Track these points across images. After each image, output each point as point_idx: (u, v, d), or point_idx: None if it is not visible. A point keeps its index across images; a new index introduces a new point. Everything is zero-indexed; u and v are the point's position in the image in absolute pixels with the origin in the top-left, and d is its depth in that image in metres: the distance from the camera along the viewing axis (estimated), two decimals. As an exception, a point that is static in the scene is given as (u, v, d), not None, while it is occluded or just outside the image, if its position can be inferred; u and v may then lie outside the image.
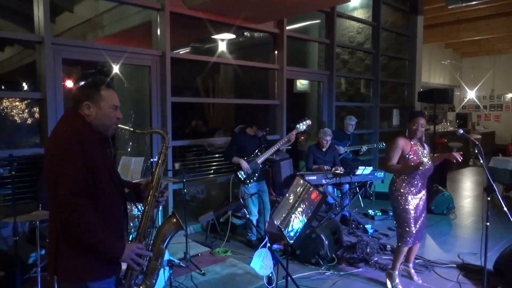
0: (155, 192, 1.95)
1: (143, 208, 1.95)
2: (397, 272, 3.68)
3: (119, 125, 1.90)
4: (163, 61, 4.93)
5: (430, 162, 3.59)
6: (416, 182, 3.56)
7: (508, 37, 12.10)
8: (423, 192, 3.63)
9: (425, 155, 3.58)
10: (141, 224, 1.91)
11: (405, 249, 3.63)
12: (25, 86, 5.89)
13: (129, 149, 6.04)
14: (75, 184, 1.64)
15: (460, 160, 3.37)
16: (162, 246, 1.96)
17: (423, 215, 3.68)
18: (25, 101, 5.61)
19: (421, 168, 3.37)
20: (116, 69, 5.37)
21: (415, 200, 3.56)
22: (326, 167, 5.40)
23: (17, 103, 5.77)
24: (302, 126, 4.72)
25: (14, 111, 5.74)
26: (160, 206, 2.60)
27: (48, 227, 1.90)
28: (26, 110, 5.74)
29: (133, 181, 2.25)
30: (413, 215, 3.54)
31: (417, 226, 3.60)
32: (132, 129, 2.00)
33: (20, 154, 4.03)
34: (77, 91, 1.83)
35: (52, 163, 1.69)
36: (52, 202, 1.74)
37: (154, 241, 1.96)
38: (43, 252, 3.47)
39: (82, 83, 1.89)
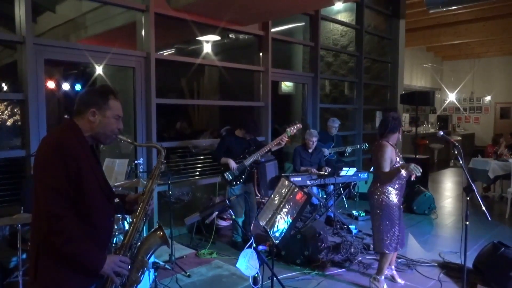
0: (145, 205, 1.95)
1: (131, 220, 1.94)
2: (383, 277, 3.66)
3: (120, 136, 1.91)
4: (148, 62, 4.89)
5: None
6: (403, 186, 3.57)
7: (486, 41, 12.47)
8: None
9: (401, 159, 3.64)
10: (128, 236, 1.90)
11: (391, 255, 3.65)
12: (4, 87, 5.76)
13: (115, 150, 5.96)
14: (56, 194, 1.64)
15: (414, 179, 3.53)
16: (145, 258, 1.93)
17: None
18: (5, 102, 5.48)
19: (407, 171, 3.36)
20: (99, 70, 5.30)
21: (399, 204, 3.56)
22: (313, 170, 5.43)
23: (-4, 104, 5.62)
24: (292, 130, 4.74)
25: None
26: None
27: (30, 235, 1.87)
28: (6, 112, 5.61)
29: (117, 192, 2.23)
30: (397, 221, 3.54)
31: (402, 229, 3.62)
32: (131, 141, 2.02)
33: (1, 156, 3.95)
34: (86, 96, 1.83)
35: (35, 173, 1.70)
36: (35, 210, 1.73)
37: (137, 252, 1.93)
38: (24, 256, 3.39)
39: (91, 88, 1.90)
